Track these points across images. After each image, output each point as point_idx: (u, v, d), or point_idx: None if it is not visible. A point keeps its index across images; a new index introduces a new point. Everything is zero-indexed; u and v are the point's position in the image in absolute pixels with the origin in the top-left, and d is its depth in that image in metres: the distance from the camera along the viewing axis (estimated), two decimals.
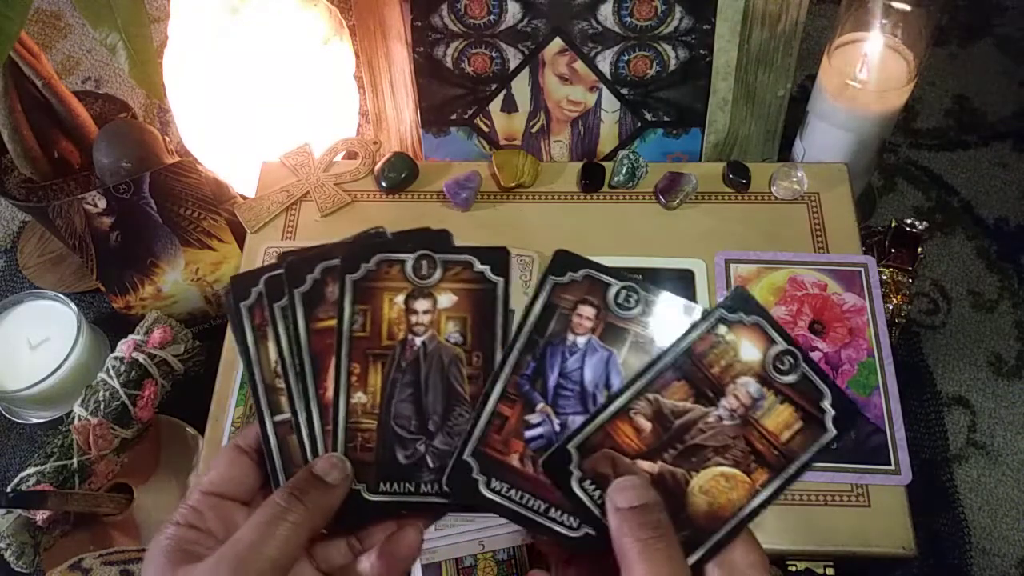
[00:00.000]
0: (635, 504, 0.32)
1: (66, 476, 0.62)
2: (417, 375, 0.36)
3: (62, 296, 0.73)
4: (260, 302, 0.37)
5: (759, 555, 0.33)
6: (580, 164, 0.68)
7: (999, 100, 0.90)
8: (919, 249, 0.68)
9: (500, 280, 0.38)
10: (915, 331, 0.75)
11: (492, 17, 0.69)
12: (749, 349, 0.35)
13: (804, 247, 0.63)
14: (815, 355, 0.58)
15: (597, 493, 0.34)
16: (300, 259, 0.37)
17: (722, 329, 0.35)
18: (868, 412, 0.56)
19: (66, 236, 0.70)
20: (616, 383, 0.36)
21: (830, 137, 0.70)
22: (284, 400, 0.36)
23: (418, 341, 0.37)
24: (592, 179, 0.67)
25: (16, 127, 0.71)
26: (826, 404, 0.34)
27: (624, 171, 0.66)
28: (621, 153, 0.67)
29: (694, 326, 0.36)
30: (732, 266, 0.62)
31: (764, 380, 0.35)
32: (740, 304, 0.36)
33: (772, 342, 0.35)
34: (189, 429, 0.69)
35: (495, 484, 0.35)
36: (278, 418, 0.36)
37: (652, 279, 0.62)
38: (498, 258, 0.38)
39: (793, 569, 0.55)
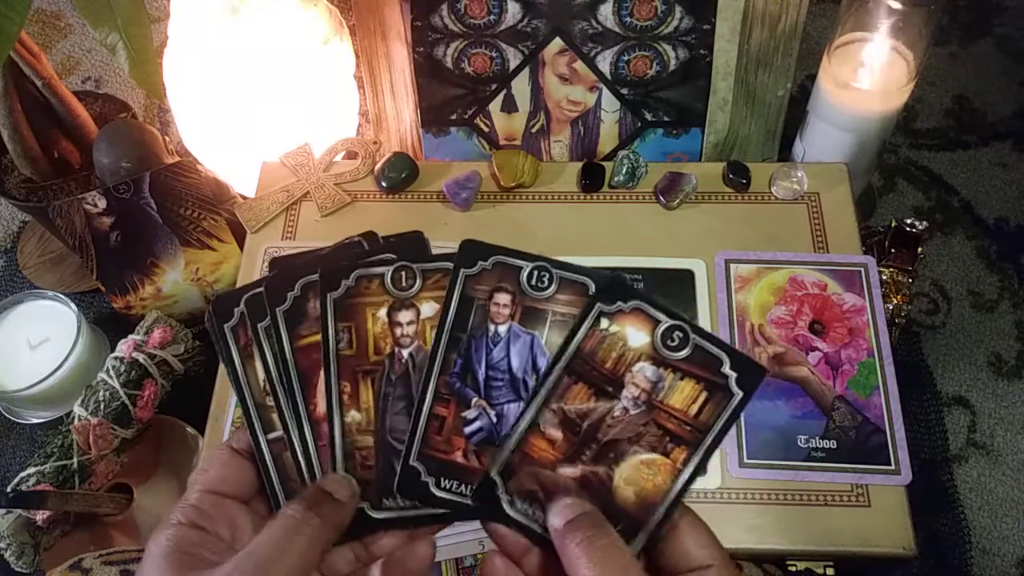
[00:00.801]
0: (571, 517, 0.33)
1: (66, 476, 0.62)
2: (408, 388, 0.36)
3: (62, 296, 0.73)
4: (243, 322, 0.37)
5: (707, 535, 0.33)
6: (580, 164, 0.68)
7: (999, 100, 0.90)
8: (919, 249, 0.68)
9: None
10: (915, 331, 0.75)
11: (492, 17, 0.69)
12: (636, 335, 0.35)
13: (804, 247, 0.63)
14: (815, 355, 0.58)
15: (531, 511, 0.34)
16: (279, 278, 0.37)
17: (604, 322, 0.35)
18: (868, 412, 0.56)
19: (66, 236, 0.70)
20: (543, 364, 0.36)
21: (830, 137, 0.70)
22: (276, 418, 0.36)
23: (405, 353, 0.37)
24: (592, 179, 0.67)
25: (16, 127, 0.71)
26: (726, 369, 0.34)
27: (624, 171, 0.66)
28: (621, 153, 0.67)
29: (575, 327, 0.35)
30: (732, 266, 0.62)
31: (658, 361, 0.35)
32: (615, 292, 0.36)
33: (657, 322, 0.35)
34: (189, 429, 0.69)
35: (444, 483, 0.35)
36: (271, 436, 0.36)
37: (652, 279, 0.62)
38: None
39: (793, 569, 0.55)
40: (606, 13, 0.68)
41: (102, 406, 0.64)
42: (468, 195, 0.66)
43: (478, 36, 0.70)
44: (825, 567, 0.55)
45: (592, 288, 0.36)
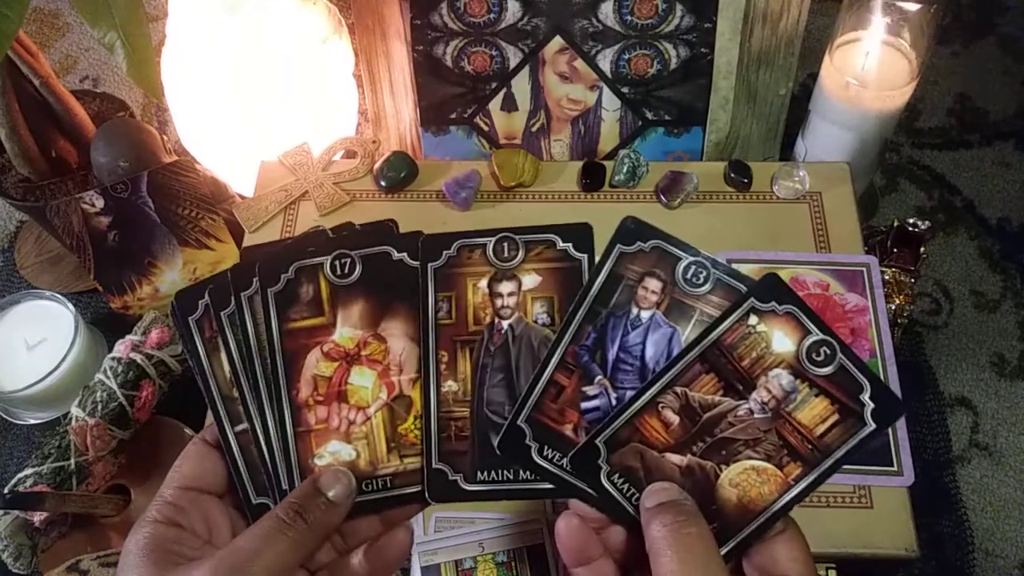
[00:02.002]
0: (664, 500, 0.32)
1: (63, 477, 0.62)
2: (507, 359, 0.36)
3: (59, 296, 0.73)
4: (208, 314, 0.37)
5: (803, 551, 0.32)
6: (580, 163, 0.68)
7: (1001, 99, 0.89)
8: (921, 249, 0.68)
9: (584, 257, 0.37)
10: (917, 331, 0.75)
11: (492, 15, 0.69)
12: (782, 340, 0.34)
13: (806, 247, 0.63)
14: None
15: (626, 487, 0.33)
16: (273, 258, 0.37)
17: (753, 319, 0.34)
18: None
19: (63, 236, 0.70)
20: None
21: (832, 136, 0.69)
22: (242, 410, 0.36)
23: (505, 324, 0.36)
24: (593, 178, 0.66)
25: (14, 126, 0.70)
26: (865, 397, 0.33)
27: (625, 170, 0.66)
28: (622, 152, 0.67)
29: (723, 316, 0.34)
30: (734, 266, 0.62)
31: (798, 372, 0.34)
32: (772, 292, 0.34)
33: (807, 332, 0.34)
34: (187, 430, 0.69)
35: (547, 451, 0.34)
36: (239, 428, 0.36)
37: None
38: (581, 235, 0.38)
39: None
40: (607, 11, 0.68)
41: (100, 407, 0.63)
42: (468, 194, 0.65)
43: (478, 34, 0.70)
44: (827, 568, 0.55)
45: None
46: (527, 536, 0.54)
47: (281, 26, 0.66)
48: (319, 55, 0.69)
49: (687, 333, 0.35)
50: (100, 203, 0.69)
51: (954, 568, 0.65)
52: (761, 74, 0.71)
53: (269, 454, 0.35)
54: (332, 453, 0.36)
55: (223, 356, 0.36)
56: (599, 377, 0.35)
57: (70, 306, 0.71)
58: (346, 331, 0.37)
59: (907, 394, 0.57)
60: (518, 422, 0.34)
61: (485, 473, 0.35)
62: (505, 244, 0.37)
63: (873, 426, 0.33)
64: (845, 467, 0.53)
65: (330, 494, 0.33)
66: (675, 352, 0.35)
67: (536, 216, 0.66)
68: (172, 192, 0.70)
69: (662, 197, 0.65)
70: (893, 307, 0.66)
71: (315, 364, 0.36)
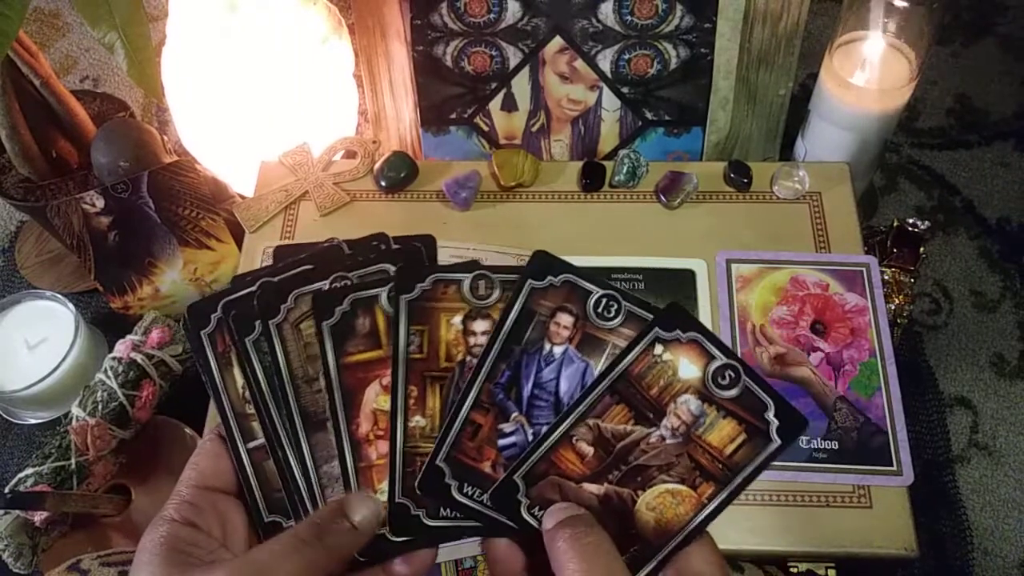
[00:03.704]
0: (562, 519, 0.32)
1: (64, 477, 0.62)
2: None
3: (60, 296, 0.73)
4: (220, 328, 0.36)
5: (717, 556, 0.33)
6: (580, 163, 0.68)
7: (1001, 99, 0.90)
8: (921, 249, 0.68)
9: None
10: (917, 331, 0.75)
11: (492, 15, 0.69)
12: (687, 366, 0.35)
13: (806, 247, 0.63)
14: (816, 356, 0.58)
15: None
16: (326, 293, 0.37)
17: (659, 348, 0.35)
18: (870, 413, 0.56)
19: (64, 236, 0.70)
20: None
21: (832, 136, 0.69)
22: (256, 426, 0.36)
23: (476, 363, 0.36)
24: (593, 178, 0.66)
25: (14, 126, 0.70)
26: (770, 415, 0.34)
27: (625, 170, 0.66)
28: (622, 152, 0.67)
29: (629, 347, 0.35)
30: (733, 266, 0.62)
31: (705, 396, 0.35)
32: (675, 320, 0.35)
33: (711, 357, 0.35)
34: (187, 430, 0.69)
35: (467, 488, 0.34)
36: (251, 444, 0.36)
37: (653, 279, 0.62)
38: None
39: (795, 571, 0.55)
40: (607, 11, 0.68)
41: (100, 407, 0.64)
42: (468, 194, 0.65)
43: (478, 34, 0.70)
44: (827, 568, 0.55)
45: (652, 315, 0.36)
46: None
47: (281, 26, 0.66)
48: (319, 55, 0.69)
49: (600, 366, 0.35)
50: (100, 203, 0.69)
51: (953, 568, 0.65)
52: (761, 74, 0.71)
53: (298, 480, 0.35)
54: None
55: (236, 371, 0.36)
56: (515, 414, 0.35)
57: (70, 306, 0.71)
58: None
59: (906, 394, 0.57)
60: (436, 461, 0.35)
61: (448, 511, 0.35)
62: (481, 282, 0.37)
63: (779, 442, 0.34)
64: (844, 467, 0.54)
65: (356, 519, 0.33)
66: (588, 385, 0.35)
67: (536, 216, 0.66)
68: (172, 192, 0.70)
69: (662, 197, 0.65)
70: (893, 307, 0.66)
71: (374, 398, 0.36)
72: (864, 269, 0.61)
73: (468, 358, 0.36)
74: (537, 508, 0.34)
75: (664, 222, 0.65)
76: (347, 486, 0.35)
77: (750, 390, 0.34)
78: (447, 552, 0.55)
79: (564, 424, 0.34)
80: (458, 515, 0.35)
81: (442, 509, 0.35)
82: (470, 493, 0.34)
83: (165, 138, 0.77)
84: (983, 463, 0.69)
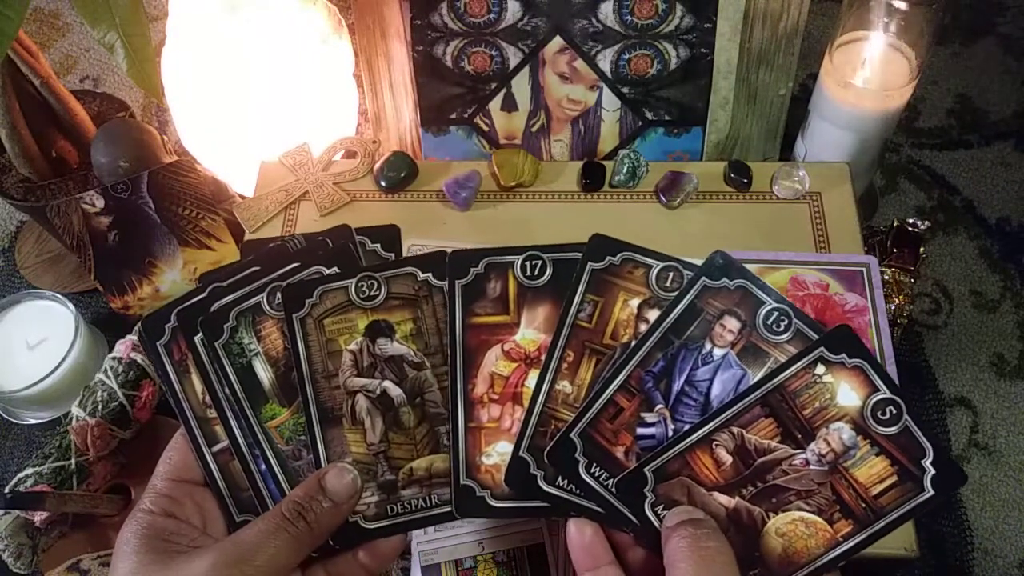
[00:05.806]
0: (685, 519, 0.32)
1: (64, 477, 0.62)
2: None
3: (60, 296, 0.73)
4: (175, 338, 0.37)
5: None
6: (580, 163, 0.68)
7: (1001, 99, 0.90)
8: (921, 249, 0.68)
9: None
10: (917, 331, 0.75)
11: (492, 15, 0.69)
12: (847, 393, 0.33)
13: (806, 247, 0.63)
14: None
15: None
16: (460, 254, 0.37)
17: (820, 368, 0.33)
18: None
19: (64, 236, 0.70)
20: None
21: (832, 136, 0.69)
22: (220, 430, 0.36)
23: None
24: (592, 178, 0.66)
25: (14, 126, 0.70)
26: (927, 463, 0.32)
27: (625, 170, 0.66)
28: (622, 152, 0.67)
29: (790, 361, 0.33)
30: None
31: (860, 428, 0.33)
32: (843, 344, 0.33)
33: (875, 388, 0.33)
34: None
35: (594, 468, 0.34)
36: (216, 448, 0.36)
37: None
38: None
39: None
40: (606, 11, 0.68)
41: (100, 407, 0.63)
42: (468, 194, 0.65)
43: (478, 34, 0.70)
44: None
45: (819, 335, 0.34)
46: (527, 536, 0.54)
47: (281, 26, 0.66)
48: (319, 55, 0.69)
49: (758, 377, 0.34)
50: (100, 203, 0.69)
51: (954, 568, 0.65)
52: (761, 74, 0.71)
53: (453, 447, 0.35)
54: (500, 453, 0.35)
55: (195, 378, 0.36)
56: (659, 406, 0.34)
57: (70, 306, 0.71)
58: (529, 333, 0.36)
59: (906, 394, 0.57)
60: (571, 435, 0.34)
61: (567, 482, 0.34)
62: (671, 273, 0.36)
63: (932, 492, 0.32)
64: None
65: (335, 495, 0.33)
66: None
67: (536, 216, 0.66)
68: (172, 192, 0.70)
69: (662, 197, 0.65)
70: (893, 307, 0.66)
71: (494, 362, 0.36)
72: (864, 269, 0.61)
73: (633, 343, 0.35)
74: (661, 507, 0.33)
75: (664, 222, 0.65)
76: (455, 448, 0.34)
77: (910, 431, 0.33)
78: (447, 552, 0.55)
79: (708, 426, 0.33)
80: (579, 492, 0.34)
81: (560, 479, 0.34)
82: (597, 474, 0.33)
83: (165, 138, 0.77)
84: (983, 463, 0.69)
